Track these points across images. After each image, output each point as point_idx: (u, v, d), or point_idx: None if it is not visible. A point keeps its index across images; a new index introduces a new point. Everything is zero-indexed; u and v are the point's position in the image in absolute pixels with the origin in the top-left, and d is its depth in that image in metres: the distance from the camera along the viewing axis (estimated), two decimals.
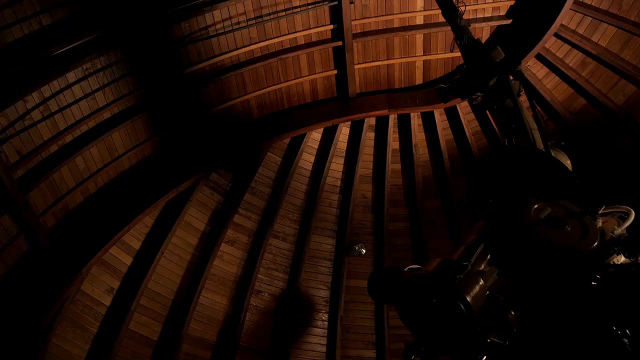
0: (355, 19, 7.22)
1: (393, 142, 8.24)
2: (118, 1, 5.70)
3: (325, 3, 6.97)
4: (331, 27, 7.24)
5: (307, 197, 8.20)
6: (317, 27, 7.19)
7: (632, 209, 2.26)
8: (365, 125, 8.11)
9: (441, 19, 7.18)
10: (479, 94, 3.20)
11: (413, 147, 8.15)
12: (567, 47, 7.23)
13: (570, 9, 6.82)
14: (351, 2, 6.95)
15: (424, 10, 7.29)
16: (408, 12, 7.30)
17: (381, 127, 8.24)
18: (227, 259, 7.72)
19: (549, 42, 7.21)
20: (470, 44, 3.29)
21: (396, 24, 7.44)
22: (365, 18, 7.28)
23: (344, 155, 8.35)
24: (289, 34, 7.12)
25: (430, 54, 7.71)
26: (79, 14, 5.54)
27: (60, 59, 5.65)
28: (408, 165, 8.28)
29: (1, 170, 5.42)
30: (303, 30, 7.16)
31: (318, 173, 8.18)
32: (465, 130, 7.98)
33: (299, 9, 6.91)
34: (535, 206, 2.01)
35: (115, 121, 6.51)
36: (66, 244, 6.39)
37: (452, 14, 3.37)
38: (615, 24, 6.74)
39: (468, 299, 1.57)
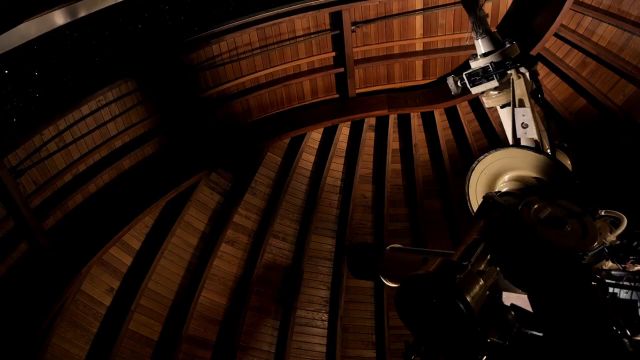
0: (357, 46, 7.44)
1: (393, 142, 8.24)
2: (129, 35, 5.93)
3: (327, 32, 7.21)
4: (333, 54, 7.50)
5: (307, 197, 8.20)
6: (320, 54, 7.46)
7: (624, 215, 2.22)
8: (365, 125, 8.12)
9: (440, 45, 7.62)
10: (490, 89, 3.12)
11: (413, 147, 8.15)
12: (567, 47, 7.23)
13: (570, 8, 6.82)
14: (353, 31, 7.14)
15: (423, 37, 7.50)
16: (408, 39, 7.50)
17: (381, 127, 8.24)
18: (227, 259, 7.72)
19: (549, 42, 7.22)
20: (487, 37, 3.18)
21: (396, 51, 7.65)
22: (367, 45, 7.50)
23: (344, 155, 8.36)
24: (292, 61, 7.37)
25: (429, 78, 7.94)
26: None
27: (75, 93, 6.00)
28: (408, 165, 8.29)
29: (19, 201, 5.60)
30: (306, 57, 7.42)
31: (318, 173, 8.18)
32: (465, 130, 7.99)
33: (302, 38, 7.15)
34: (535, 206, 2.01)
35: (126, 149, 6.72)
36: (66, 244, 6.39)
37: (472, 4, 3.22)
38: (615, 24, 6.74)
39: (468, 299, 1.57)
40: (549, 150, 2.65)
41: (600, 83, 7.18)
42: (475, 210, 2.38)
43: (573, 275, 1.77)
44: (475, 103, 7.97)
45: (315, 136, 8.21)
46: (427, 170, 8.28)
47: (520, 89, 2.88)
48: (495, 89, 3.07)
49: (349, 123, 8.21)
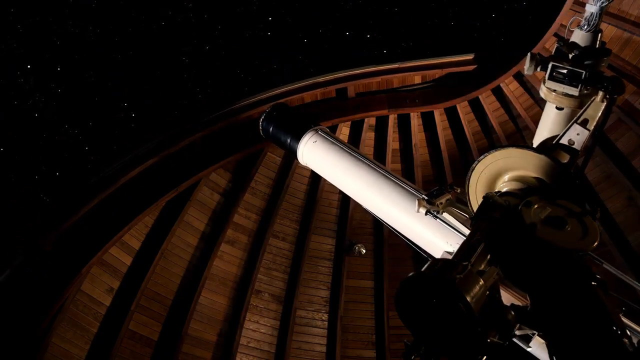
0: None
1: (393, 142, 8.24)
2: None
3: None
4: None
5: (307, 197, 8.20)
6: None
7: None
8: (365, 125, 8.11)
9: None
10: (566, 90, 2.67)
11: (413, 147, 8.15)
12: None
13: (570, 9, 6.82)
14: None
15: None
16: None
17: (381, 127, 8.24)
18: (227, 259, 7.72)
19: (548, 42, 7.22)
20: (592, 34, 2.76)
21: None
22: None
23: None
24: None
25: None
26: None
27: None
28: (408, 165, 8.29)
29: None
30: None
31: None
32: (465, 130, 7.99)
33: None
34: (536, 206, 2.01)
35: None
36: (66, 244, 6.39)
37: None
38: (615, 24, 6.74)
39: (468, 299, 1.56)
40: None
41: None
42: (475, 211, 2.37)
43: (573, 275, 1.77)
44: (475, 103, 7.97)
45: None
46: (427, 170, 8.29)
47: (595, 111, 2.60)
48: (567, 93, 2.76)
49: (349, 123, 8.21)
